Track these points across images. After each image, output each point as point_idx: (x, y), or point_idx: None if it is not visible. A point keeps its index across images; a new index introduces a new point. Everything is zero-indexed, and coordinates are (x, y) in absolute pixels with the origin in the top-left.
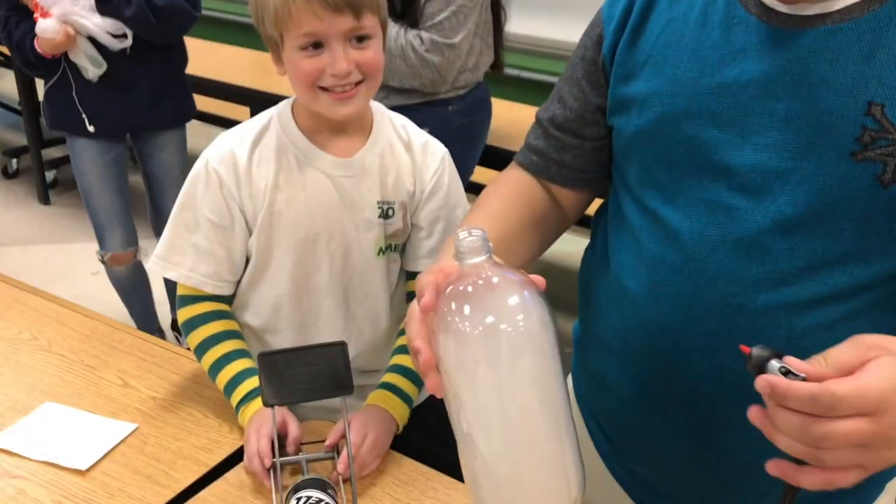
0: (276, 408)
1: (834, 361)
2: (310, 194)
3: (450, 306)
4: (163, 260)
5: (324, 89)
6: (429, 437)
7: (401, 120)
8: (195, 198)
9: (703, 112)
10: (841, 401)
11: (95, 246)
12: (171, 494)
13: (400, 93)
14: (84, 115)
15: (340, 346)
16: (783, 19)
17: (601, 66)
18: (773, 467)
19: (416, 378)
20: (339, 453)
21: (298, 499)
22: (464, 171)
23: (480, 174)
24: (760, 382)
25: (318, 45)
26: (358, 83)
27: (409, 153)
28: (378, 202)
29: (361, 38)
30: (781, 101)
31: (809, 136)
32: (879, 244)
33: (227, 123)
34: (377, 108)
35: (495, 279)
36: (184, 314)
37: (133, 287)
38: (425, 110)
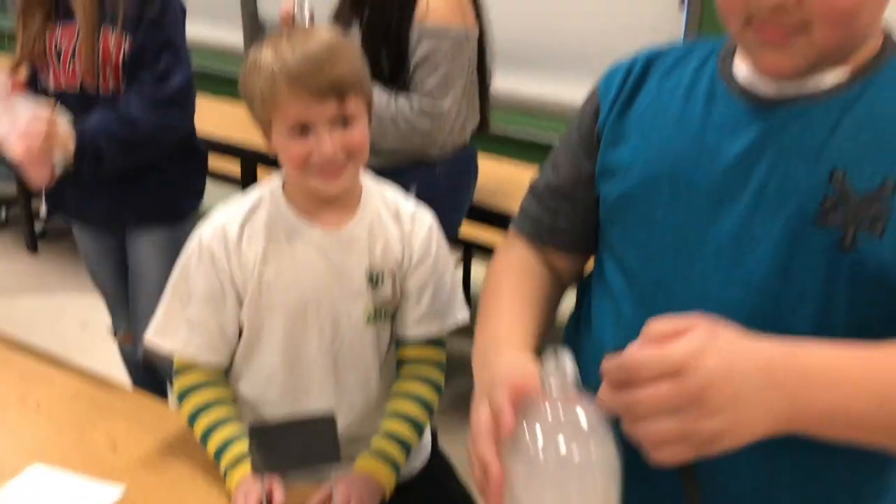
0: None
1: (668, 326)
2: (298, 266)
3: (525, 429)
4: (158, 335)
5: (313, 169)
6: None
7: (390, 192)
8: (189, 273)
9: (682, 178)
10: (641, 363)
11: (84, 297)
12: None
13: (388, 154)
14: (43, 197)
15: (329, 417)
16: (762, 99)
17: (596, 136)
18: None
19: (405, 445)
20: None
21: None
22: (450, 228)
23: (466, 229)
24: (602, 367)
25: (305, 129)
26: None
27: (398, 223)
28: (366, 271)
29: (347, 121)
30: (754, 171)
31: (778, 202)
32: (843, 312)
33: (219, 178)
34: (366, 179)
35: (575, 410)
36: (179, 384)
37: (144, 369)
38: (413, 171)
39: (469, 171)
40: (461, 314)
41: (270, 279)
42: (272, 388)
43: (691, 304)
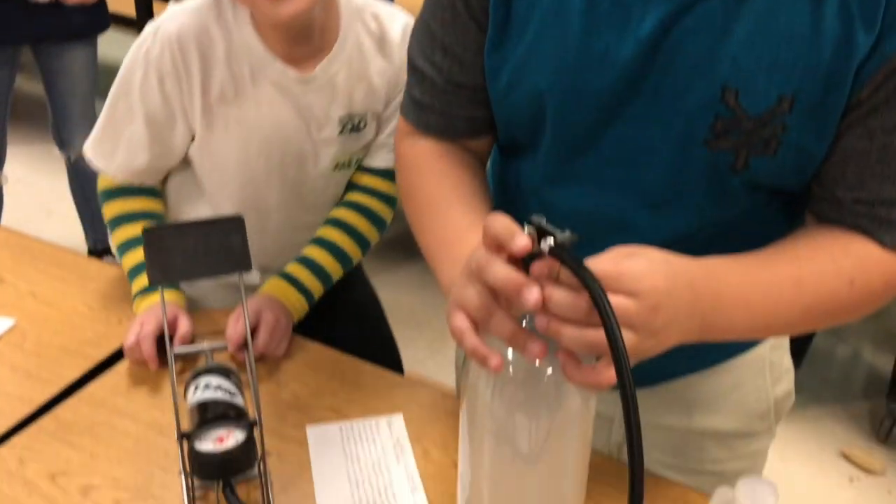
0: (168, 304)
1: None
2: (263, 112)
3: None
4: (94, 150)
5: None
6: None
7: (372, 9)
8: (132, 87)
9: (569, 89)
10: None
11: None
12: (55, 390)
13: None
14: None
15: (236, 218)
16: None
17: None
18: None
19: (321, 273)
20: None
21: (197, 386)
22: None
23: None
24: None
25: None
26: None
27: (383, 53)
28: (341, 117)
29: None
30: (646, 76)
31: (670, 115)
32: (737, 215)
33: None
34: (346, 3)
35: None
36: (109, 210)
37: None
38: None
39: None
40: None
41: (230, 122)
42: None
43: (588, 212)
